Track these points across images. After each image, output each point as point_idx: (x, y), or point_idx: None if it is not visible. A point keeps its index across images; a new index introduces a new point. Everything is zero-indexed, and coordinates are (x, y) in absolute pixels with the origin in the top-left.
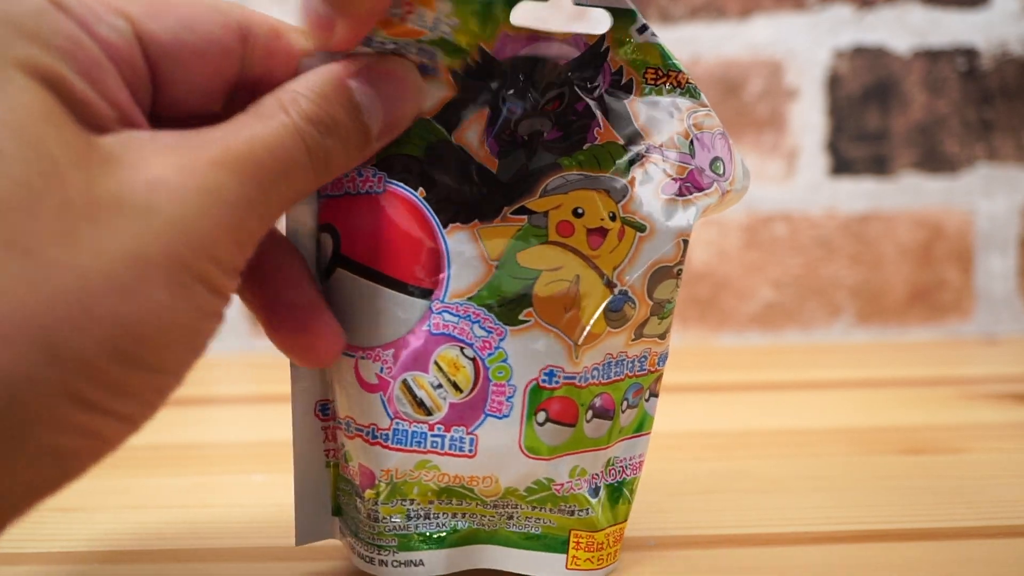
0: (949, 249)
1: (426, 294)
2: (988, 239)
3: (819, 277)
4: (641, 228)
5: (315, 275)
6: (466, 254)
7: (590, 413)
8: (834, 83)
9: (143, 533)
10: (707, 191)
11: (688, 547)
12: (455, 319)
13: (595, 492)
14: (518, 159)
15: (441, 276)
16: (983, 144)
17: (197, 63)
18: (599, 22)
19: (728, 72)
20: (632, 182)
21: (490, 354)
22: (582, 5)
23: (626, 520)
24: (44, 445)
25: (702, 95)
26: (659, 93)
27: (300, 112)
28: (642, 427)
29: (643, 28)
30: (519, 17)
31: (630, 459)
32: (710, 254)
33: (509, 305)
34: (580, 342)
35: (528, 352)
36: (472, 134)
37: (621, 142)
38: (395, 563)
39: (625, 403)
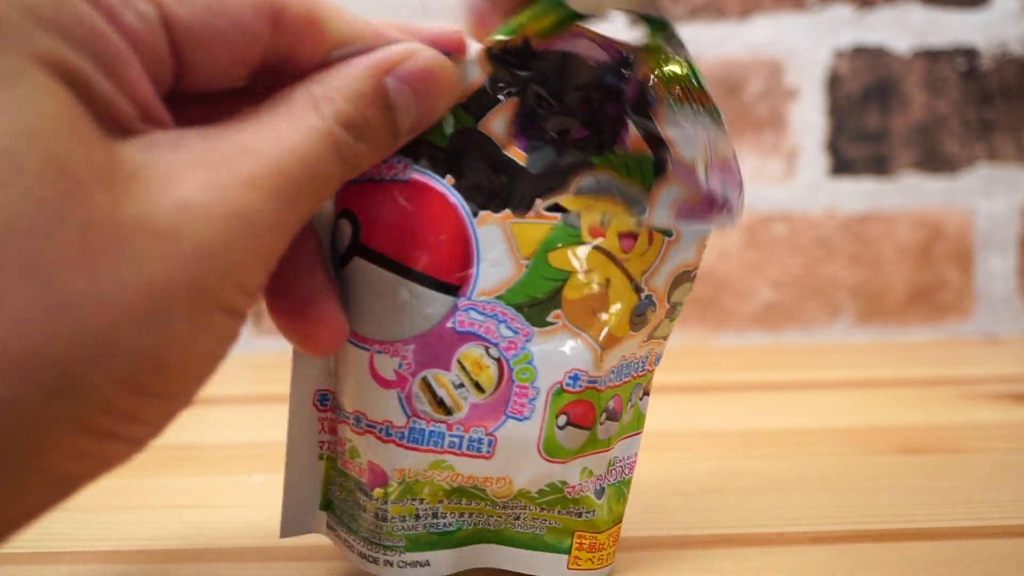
0: (949, 249)
1: (452, 290)
2: (988, 239)
3: (819, 277)
4: (669, 233)
5: (328, 261)
6: (497, 250)
7: (604, 416)
8: (834, 83)
9: (142, 533)
10: (713, 219)
11: (688, 547)
12: (481, 318)
13: (600, 493)
14: (548, 155)
15: (470, 272)
16: (983, 144)
17: (224, 48)
18: (632, 29)
19: (728, 72)
20: (653, 198)
21: (515, 355)
22: (617, 9)
23: (622, 520)
24: (51, 471)
25: (722, 117)
26: (683, 112)
27: (334, 113)
28: (638, 426)
29: (675, 40)
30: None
31: (627, 458)
32: (710, 254)
33: (538, 306)
34: (605, 347)
35: (554, 355)
36: (499, 123)
37: (651, 155)
38: (401, 564)
39: (630, 404)
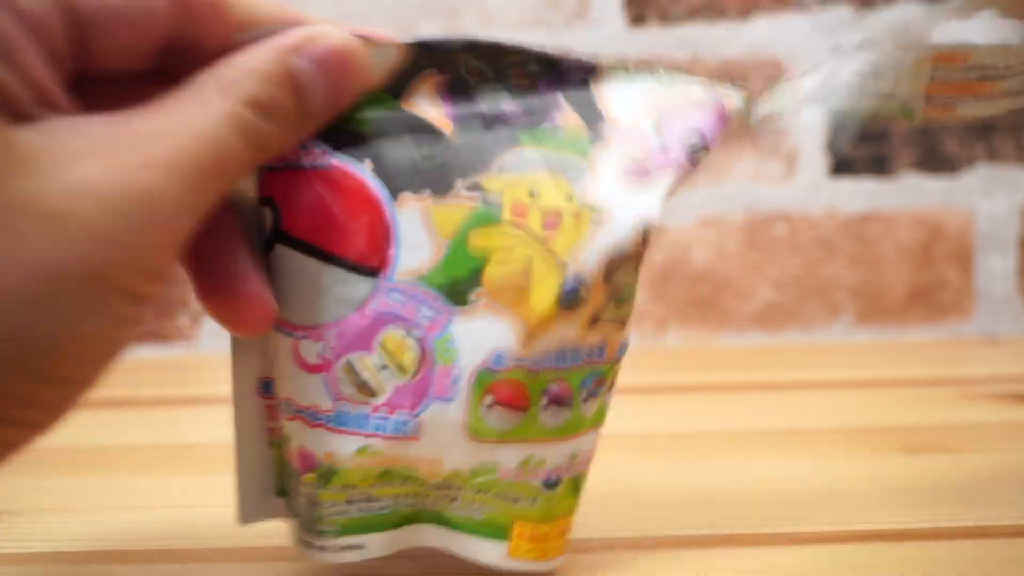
0: (949, 249)
1: (373, 273)
2: (988, 239)
3: (819, 277)
4: (598, 211)
5: (257, 247)
6: (416, 232)
7: (545, 399)
8: None
9: (142, 533)
10: (671, 173)
11: (688, 547)
12: (402, 299)
13: (552, 484)
14: (474, 127)
15: (389, 254)
16: (983, 144)
17: (124, 27)
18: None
19: (728, 72)
20: (592, 163)
21: (437, 336)
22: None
23: (573, 513)
24: None
25: (674, 79)
26: (628, 77)
27: (240, 96)
28: (601, 419)
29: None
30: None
31: (587, 452)
32: (710, 254)
33: (459, 286)
34: (531, 325)
35: (476, 334)
36: (423, 97)
37: (583, 125)
38: (335, 548)
39: (584, 391)
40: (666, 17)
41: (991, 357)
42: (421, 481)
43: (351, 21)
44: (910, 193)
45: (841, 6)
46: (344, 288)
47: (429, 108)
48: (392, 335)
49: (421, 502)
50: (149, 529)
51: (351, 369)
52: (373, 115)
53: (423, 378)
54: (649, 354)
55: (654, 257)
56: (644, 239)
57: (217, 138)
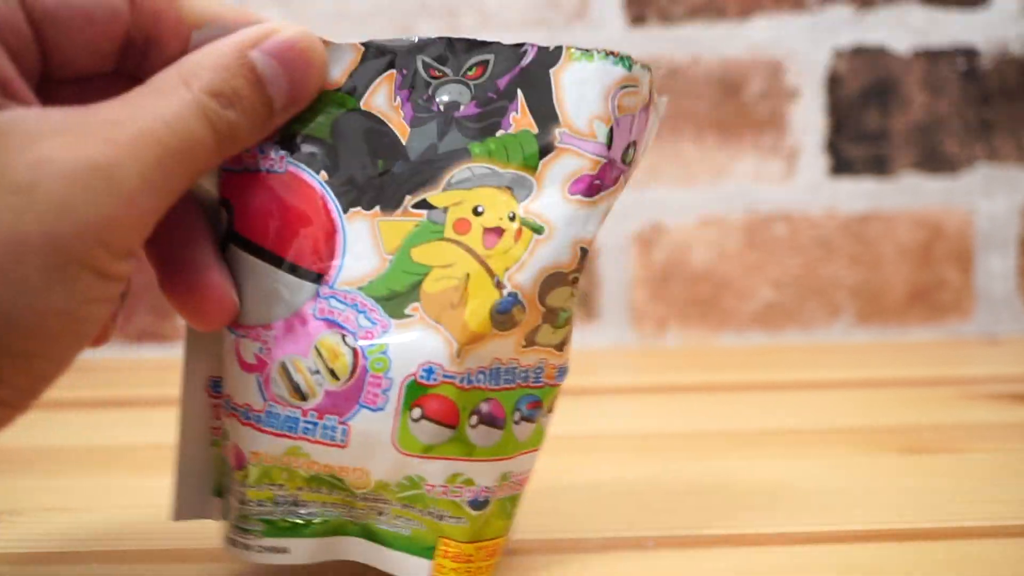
0: (949, 249)
1: (316, 278)
2: (988, 239)
3: (819, 277)
4: (539, 230)
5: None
6: (363, 244)
7: (475, 418)
8: (834, 83)
9: (143, 533)
10: (614, 188)
11: (688, 547)
12: (341, 306)
13: (480, 505)
14: (429, 134)
15: (334, 263)
16: (983, 144)
17: (84, 25)
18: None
19: (728, 72)
20: (540, 177)
21: (371, 345)
22: None
23: (503, 536)
24: None
25: (634, 65)
26: (589, 59)
27: (201, 85)
28: (537, 442)
29: None
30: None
31: (521, 474)
32: (710, 254)
33: (397, 299)
34: (463, 342)
35: (409, 347)
36: (381, 97)
37: (535, 131)
38: (259, 548)
39: (518, 414)
40: (666, 17)
41: (991, 357)
42: (349, 491)
43: (351, 21)
44: (910, 193)
45: (841, 6)
46: (286, 291)
47: (388, 111)
48: (327, 340)
49: (349, 512)
50: (149, 529)
51: (285, 371)
52: (332, 118)
53: (354, 385)
54: (649, 354)
55: (654, 257)
56: (581, 258)
57: (180, 122)
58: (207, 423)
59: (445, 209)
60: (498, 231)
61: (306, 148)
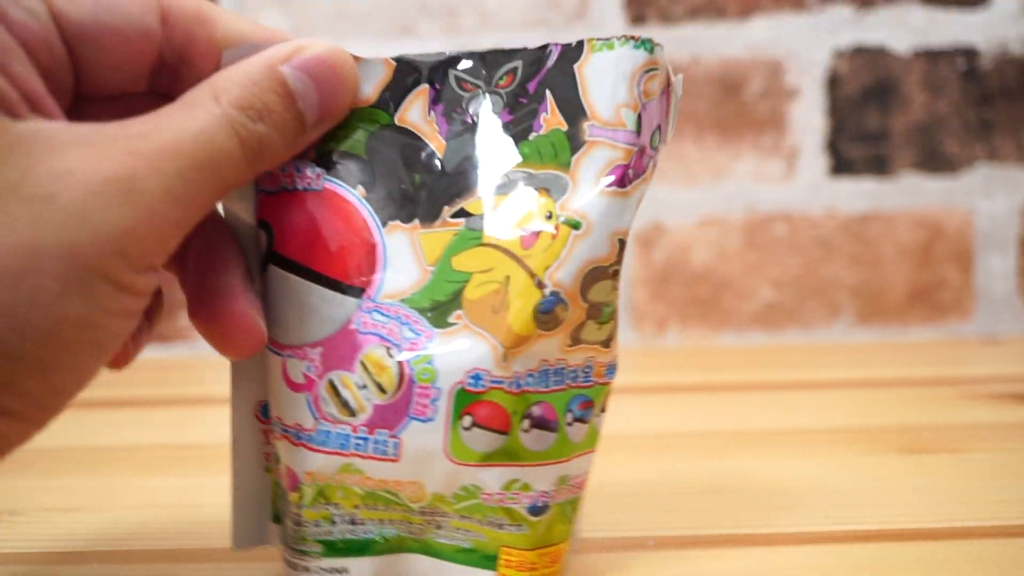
0: (949, 249)
1: (357, 293)
2: (988, 239)
3: (819, 277)
4: (576, 226)
5: (254, 271)
6: (403, 257)
7: (527, 422)
8: (834, 83)
9: (144, 533)
10: (646, 175)
11: (688, 547)
12: (384, 319)
13: (539, 510)
14: (465, 146)
15: (375, 276)
16: (983, 144)
17: (117, 44)
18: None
19: (728, 72)
20: (573, 174)
21: (416, 356)
22: None
23: (566, 541)
24: None
25: (655, 47)
26: (610, 47)
27: (230, 99)
28: (591, 444)
29: None
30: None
31: (578, 476)
32: (710, 254)
33: (440, 309)
34: (508, 345)
35: (455, 355)
36: (415, 112)
37: (565, 128)
38: (319, 570)
39: (570, 415)
40: (666, 17)
41: (991, 357)
42: (406, 505)
43: (351, 21)
44: (910, 193)
45: (841, 6)
46: (329, 307)
47: (423, 125)
48: (373, 354)
49: (407, 528)
50: (150, 529)
51: (333, 388)
52: (367, 134)
53: (402, 398)
54: (649, 354)
55: (654, 257)
56: (620, 250)
57: (206, 134)
58: (259, 449)
59: (482, 215)
60: (536, 232)
61: (342, 165)
